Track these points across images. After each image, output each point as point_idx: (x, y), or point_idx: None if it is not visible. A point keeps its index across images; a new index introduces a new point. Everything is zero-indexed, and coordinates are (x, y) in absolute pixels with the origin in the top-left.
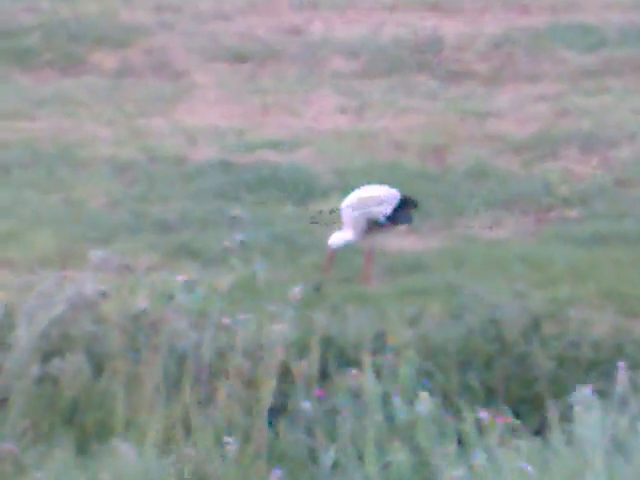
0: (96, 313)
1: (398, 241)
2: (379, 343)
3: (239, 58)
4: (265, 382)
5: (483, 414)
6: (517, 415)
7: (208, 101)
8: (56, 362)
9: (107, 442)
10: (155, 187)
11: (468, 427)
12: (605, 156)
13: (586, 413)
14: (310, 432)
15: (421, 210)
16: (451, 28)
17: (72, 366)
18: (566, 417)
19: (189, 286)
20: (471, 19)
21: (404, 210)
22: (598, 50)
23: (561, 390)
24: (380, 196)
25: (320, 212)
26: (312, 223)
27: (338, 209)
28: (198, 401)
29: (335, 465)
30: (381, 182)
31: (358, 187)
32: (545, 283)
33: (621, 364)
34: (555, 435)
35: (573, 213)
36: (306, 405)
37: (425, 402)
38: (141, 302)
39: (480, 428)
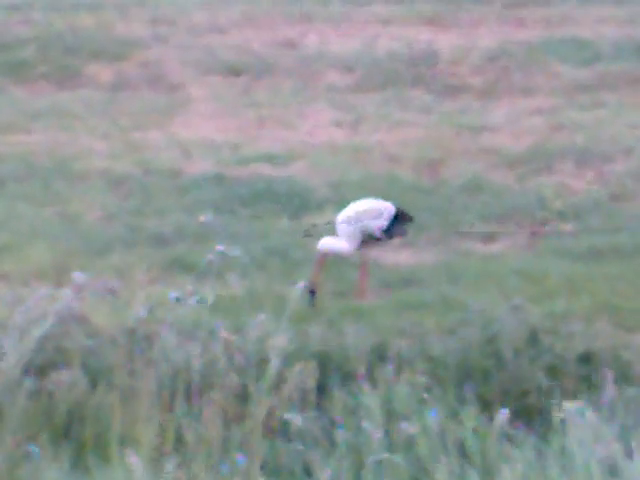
0: (90, 327)
1: (393, 255)
2: (376, 357)
3: (234, 71)
4: (261, 395)
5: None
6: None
7: (203, 114)
8: (51, 376)
9: (102, 455)
10: (150, 200)
11: (468, 437)
12: (600, 170)
13: (578, 426)
14: (307, 445)
15: (416, 224)
16: (446, 42)
17: (67, 380)
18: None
19: (183, 300)
20: (466, 33)
21: (399, 224)
22: (593, 64)
23: (555, 403)
24: (376, 210)
25: (315, 225)
26: (305, 236)
27: (333, 222)
28: (192, 414)
29: (332, 479)
30: (376, 195)
31: (353, 200)
32: (540, 297)
33: (609, 376)
34: (550, 445)
35: (568, 227)
36: (302, 419)
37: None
38: (136, 316)
39: (479, 437)
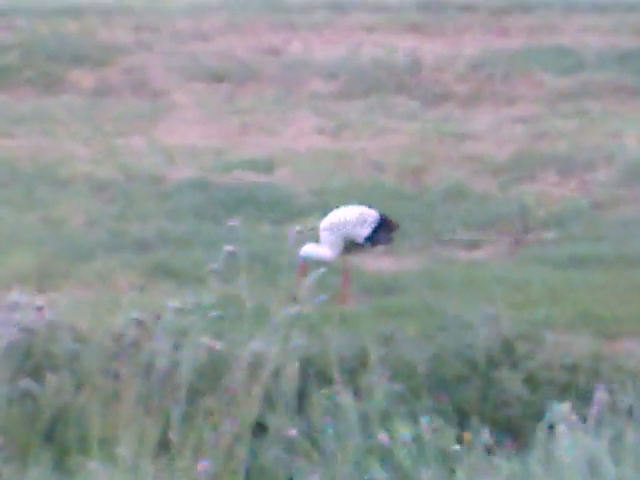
0: (75, 332)
1: (376, 262)
2: (356, 363)
3: (218, 78)
4: (249, 401)
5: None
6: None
7: (186, 120)
8: (35, 380)
9: (84, 459)
10: (133, 206)
11: (450, 445)
12: (582, 179)
13: (566, 431)
14: (289, 451)
15: (399, 231)
16: (430, 49)
17: (51, 384)
18: (542, 438)
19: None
20: (450, 41)
21: (384, 231)
22: (576, 73)
23: (535, 412)
24: (359, 217)
25: (300, 231)
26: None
27: (316, 228)
28: (178, 419)
29: None
30: (359, 202)
31: (336, 207)
32: (522, 305)
33: (599, 386)
34: (534, 455)
35: (550, 235)
36: (285, 424)
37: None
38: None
39: (460, 447)
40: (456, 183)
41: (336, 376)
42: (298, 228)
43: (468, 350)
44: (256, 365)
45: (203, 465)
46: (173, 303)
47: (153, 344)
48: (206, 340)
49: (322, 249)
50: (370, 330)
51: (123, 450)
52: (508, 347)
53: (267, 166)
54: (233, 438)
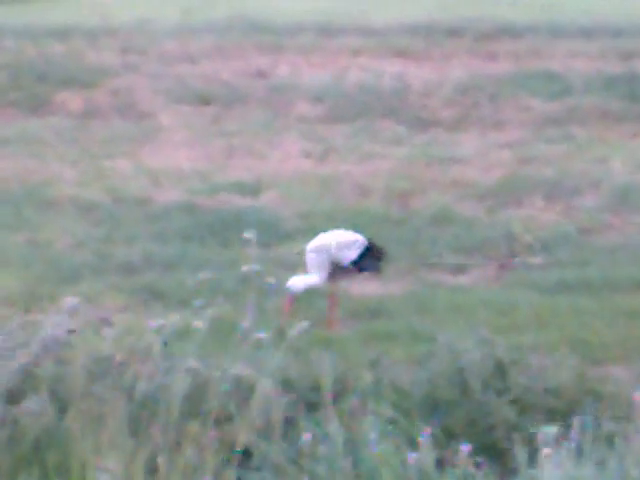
0: (60, 355)
1: (361, 286)
2: (343, 387)
3: (204, 101)
4: (236, 427)
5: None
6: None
7: (173, 143)
8: (20, 403)
9: None
10: (119, 228)
11: (431, 470)
12: (569, 204)
13: (549, 455)
14: (275, 476)
15: (387, 258)
16: (417, 74)
17: (35, 407)
18: (529, 463)
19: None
20: (437, 65)
21: (371, 257)
22: (562, 98)
23: (523, 437)
24: (345, 241)
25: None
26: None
27: (303, 251)
28: (166, 444)
29: None
30: (345, 226)
31: (322, 231)
32: (508, 329)
33: (583, 411)
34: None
35: (536, 260)
36: (271, 449)
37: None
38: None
39: (443, 470)
40: (442, 207)
41: (324, 401)
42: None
43: (459, 374)
44: (242, 390)
45: None
46: (158, 324)
47: (138, 367)
48: (192, 363)
49: (309, 277)
50: (357, 355)
51: (109, 474)
52: (501, 372)
53: (254, 189)
54: (220, 464)
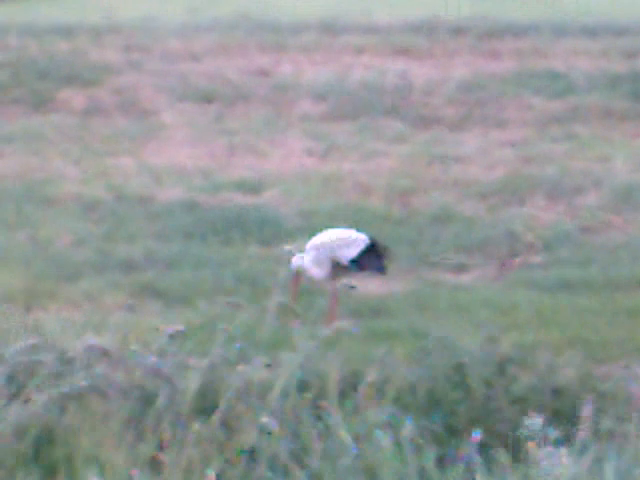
0: (62, 351)
1: (363, 284)
2: (345, 385)
3: (207, 98)
4: (246, 422)
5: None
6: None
7: (175, 141)
8: (21, 399)
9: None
10: (121, 226)
11: (431, 467)
12: (570, 203)
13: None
14: (276, 470)
15: (391, 257)
16: (419, 72)
17: (37, 403)
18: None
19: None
20: (440, 64)
21: (374, 256)
22: (565, 97)
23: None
24: (344, 239)
25: (290, 251)
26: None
27: (303, 250)
28: (171, 440)
29: None
30: (347, 225)
31: (324, 229)
32: (509, 328)
33: (584, 409)
34: (518, 477)
35: (538, 259)
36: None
37: (389, 444)
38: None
39: (443, 467)
40: (444, 206)
41: (327, 398)
42: (287, 248)
43: (460, 372)
44: (248, 388)
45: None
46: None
47: (142, 365)
48: (196, 362)
49: (311, 267)
50: (358, 352)
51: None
52: (502, 370)
53: (255, 187)
54: (225, 463)
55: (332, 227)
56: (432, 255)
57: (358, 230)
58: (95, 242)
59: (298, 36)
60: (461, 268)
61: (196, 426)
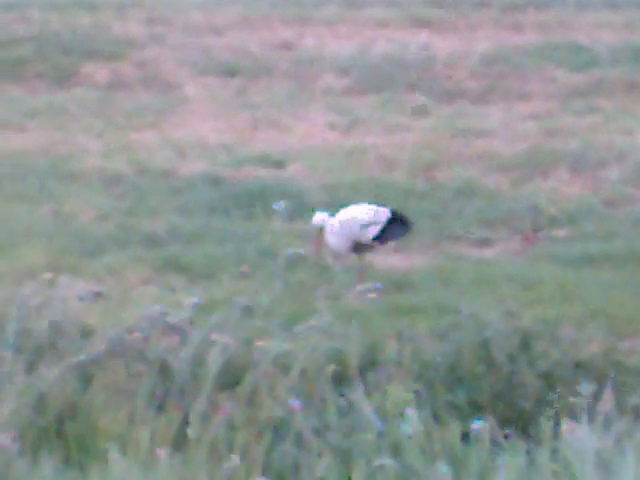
0: (84, 326)
1: (387, 259)
2: (369, 360)
3: (230, 72)
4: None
5: (474, 426)
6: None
7: (198, 115)
8: (42, 373)
9: (93, 454)
10: (144, 201)
11: (457, 442)
12: (594, 176)
13: (574, 427)
14: (299, 446)
15: (414, 227)
16: (442, 45)
17: (59, 378)
18: (554, 436)
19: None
20: (462, 37)
21: (395, 228)
22: (589, 69)
23: (549, 409)
24: (367, 218)
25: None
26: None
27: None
28: (196, 416)
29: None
30: (370, 199)
31: (347, 204)
32: (533, 302)
33: (608, 384)
34: (541, 451)
35: (561, 233)
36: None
37: (413, 419)
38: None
39: (468, 442)
40: (467, 180)
41: (350, 373)
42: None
43: (485, 347)
44: (276, 364)
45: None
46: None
47: (167, 341)
48: (222, 337)
49: (332, 242)
50: (382, 327)
51: (137, 444)
52: (526, 344)
53: (279, 162)
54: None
55: (355, 202)
56: (455, 229)
57: (380, 205)
58: (118, 217)
59: (321, 9)
60: (484, 242)
61: (222, 400)
